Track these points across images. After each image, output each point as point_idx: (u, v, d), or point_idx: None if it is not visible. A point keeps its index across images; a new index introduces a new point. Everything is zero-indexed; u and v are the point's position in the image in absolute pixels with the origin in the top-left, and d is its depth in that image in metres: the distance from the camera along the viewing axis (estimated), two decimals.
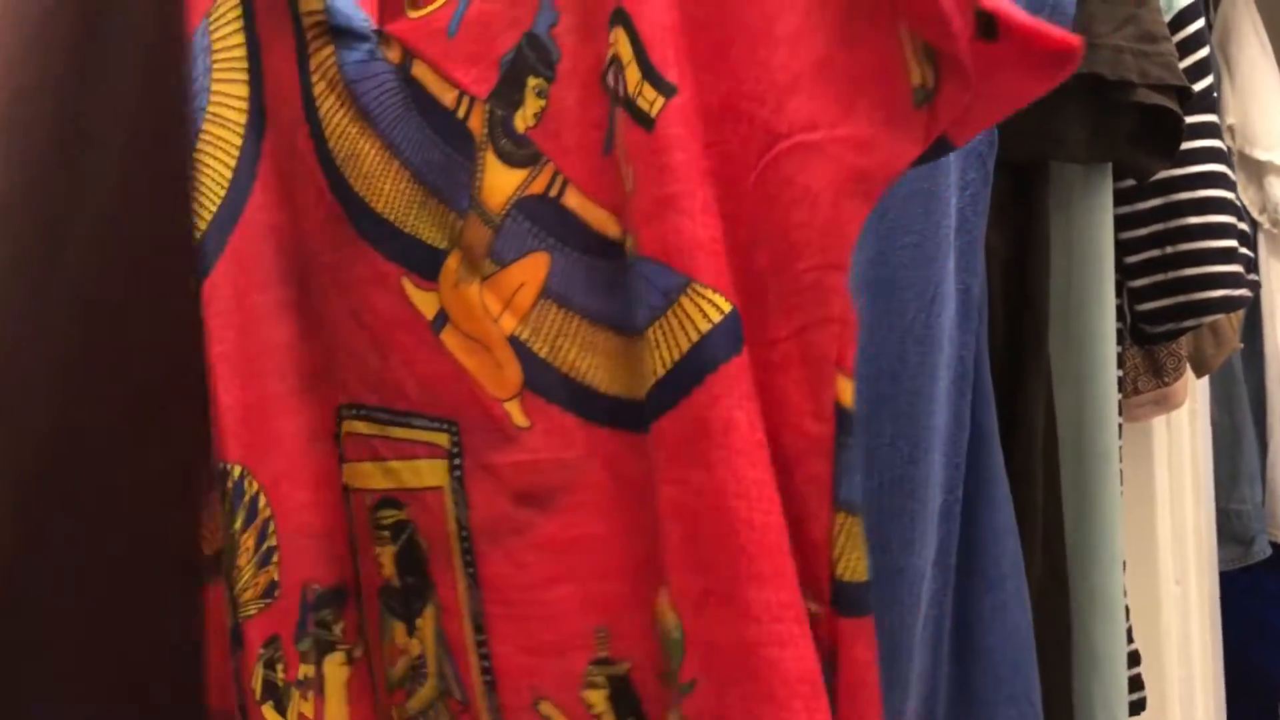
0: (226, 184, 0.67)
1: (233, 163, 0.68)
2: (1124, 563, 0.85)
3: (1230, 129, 1.51)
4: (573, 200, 0.58)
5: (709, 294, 0.53)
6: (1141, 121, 0.75)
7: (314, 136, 0.65)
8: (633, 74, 0.54)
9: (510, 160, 0.59)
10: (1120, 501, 0.81)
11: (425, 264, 0.62)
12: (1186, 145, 0.81)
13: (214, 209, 0.67)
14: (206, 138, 0.67)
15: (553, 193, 0.58)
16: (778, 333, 0.53)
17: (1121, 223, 0.84)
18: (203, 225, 0.66)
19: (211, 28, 0.69)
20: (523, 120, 0.59)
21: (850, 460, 0.54)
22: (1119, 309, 0.87)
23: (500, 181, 0.60)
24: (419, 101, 0.62)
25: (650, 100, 0.53)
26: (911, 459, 0.72)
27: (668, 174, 0.53)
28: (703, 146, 0.53)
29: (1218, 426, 1.51)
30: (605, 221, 0.57)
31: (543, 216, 0.58)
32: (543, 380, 0.59)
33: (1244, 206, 1.55)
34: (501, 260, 0.60)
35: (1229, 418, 1.53)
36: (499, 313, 0.60)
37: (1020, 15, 0.45)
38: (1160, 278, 0.84)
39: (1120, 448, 0.91)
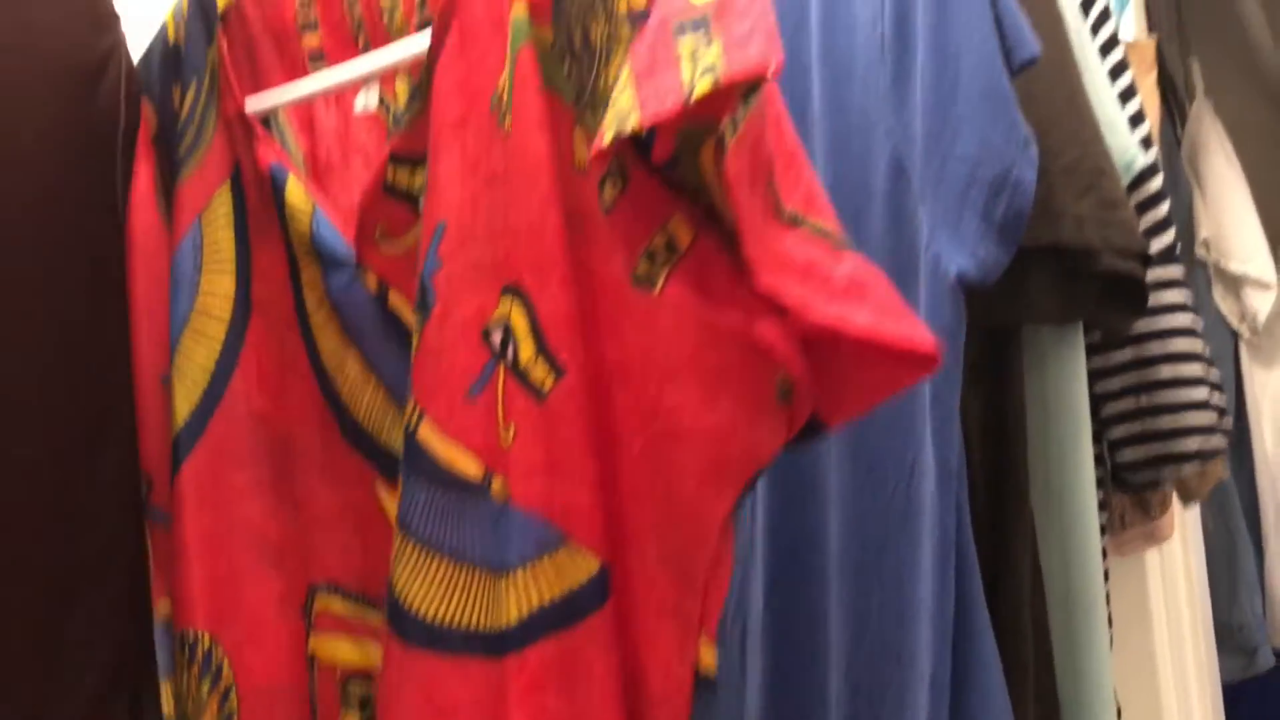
0: (209, 374, 0.72)
1: (216, 353, 0.72)
2: (1119, 709, 0.85)
3: (1205, 242, 1.54)
4: (425, 433, 0.61)
5: (584, 552, 0.57)
6: (1108, 282, 0.77)
7: (306, 342, 0.70)
8: (527, 348, 0.59)
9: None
10: (1109, 654, 0.81)
11: (393, 473, 0.65)
12: (1155, 299, 0.83)
13: (196, 398, 0.71)
14: (192, 329, 0.71)
15: (410, 425, 0.62)
16: (658, 577, 0.57)
17: (1096, 375, 0.86)
18: (181, 417, 0.70)
19: (204, 225, 0.72)
20: (410, 354, 0.63)
21: (709, 712, 0.57)
22: (1099, 456, 0.88)
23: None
24: (394, 328, 0.67)
25: (542, 377, 0.58)
26: (899, 625, 0.73)
27: (556, 444, 0.58)
28: (588, 419, 0.58)
29: (1212, 536, 1.51)
30: (458, 458, 0.61)
31: (405, 446, 0.62)
32: (386, 597, 0.63)
33: (1224, 316, 1.57)
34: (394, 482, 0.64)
35: (1224, 526, 1.53)
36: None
37: (862, 323, 0.49)
38: (1137, 428, 0.85)
39: (1108, 578, 0.91)
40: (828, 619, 0.77)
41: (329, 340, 0.69)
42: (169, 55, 0.75)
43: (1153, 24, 1.62)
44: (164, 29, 0.77)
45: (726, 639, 0.84)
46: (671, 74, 0.49)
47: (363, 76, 0.72)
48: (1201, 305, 1.53)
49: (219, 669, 0.71)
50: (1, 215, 0.67)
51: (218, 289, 0.72)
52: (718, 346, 0.54)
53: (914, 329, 0.50)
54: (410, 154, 0.66)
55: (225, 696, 0.71)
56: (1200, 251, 1.54)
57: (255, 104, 0.73)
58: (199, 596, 0.71)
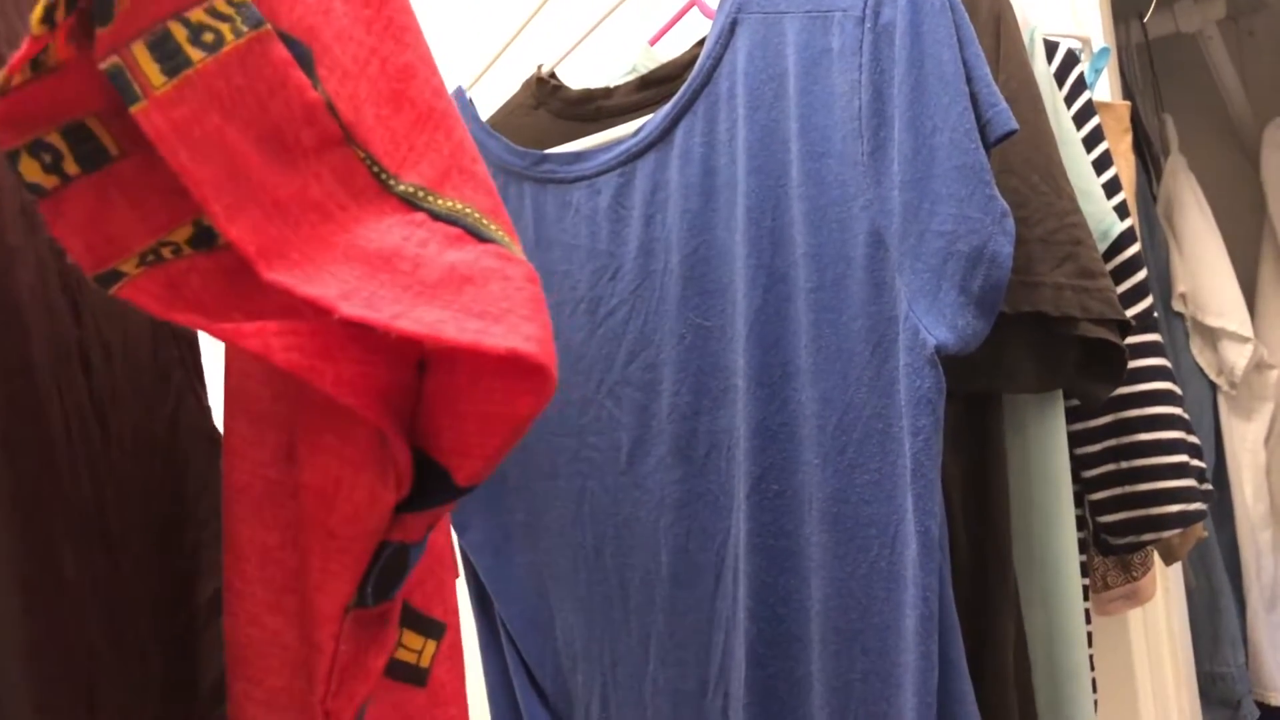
0: None
1: None
2: None
3: (1182, 296, 1.55)
4: None
5: None
6: (1086, 351, 0.77)
7: None
8: None
9: None
10: (1095, 719, 0.81)
11: None
12: (1134, 364, 0.83)
13: None
14: None
15: None
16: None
17: (1076, 438, 0.86)
18: None
19: None
20: None
21: None
22: (1081, 518, 0.89)
23: None
24: None
25: None
26: (884, 696, 0.73)
27: None
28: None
29: (1194, 590, 1.51)
30: None
31: None
32: None
33: (1203, 369, 1.59)
34: None
35: (1205, 580, 1.54)
36: None
37: (426, 321, 0.39)
38: (1118, 491, 0.85)
39: (1092, 642, 0.91)
40: (811, 687, 0.77)
41: None
42: None
43: (1127, 81, 1.64)
44: None
45: (709, 707, 0.84)
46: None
47: None
48: (1180, 357, 1.55)
49: None
50: None
51: None
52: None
53: (508, 334, 0.39)
54: None
55: None
56: (1178, 305, 1.55)
57: None
58: None
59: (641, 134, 0.83)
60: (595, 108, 0.93)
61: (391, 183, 0.43)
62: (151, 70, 0.38)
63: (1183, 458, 0.84)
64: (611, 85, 0.93)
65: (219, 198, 0.38)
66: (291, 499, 0.47)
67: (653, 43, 1.09)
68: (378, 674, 0.47)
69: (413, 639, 0.53)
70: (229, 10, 0.39)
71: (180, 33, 0.39)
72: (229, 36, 0.39)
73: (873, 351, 0.72)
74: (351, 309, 0.38)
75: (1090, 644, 0.87)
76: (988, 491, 0.78)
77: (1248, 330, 1.54)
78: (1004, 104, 0.70)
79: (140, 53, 0.38)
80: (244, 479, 0.49)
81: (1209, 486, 0.89)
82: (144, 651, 0.55)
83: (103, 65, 0.37)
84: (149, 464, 0.58)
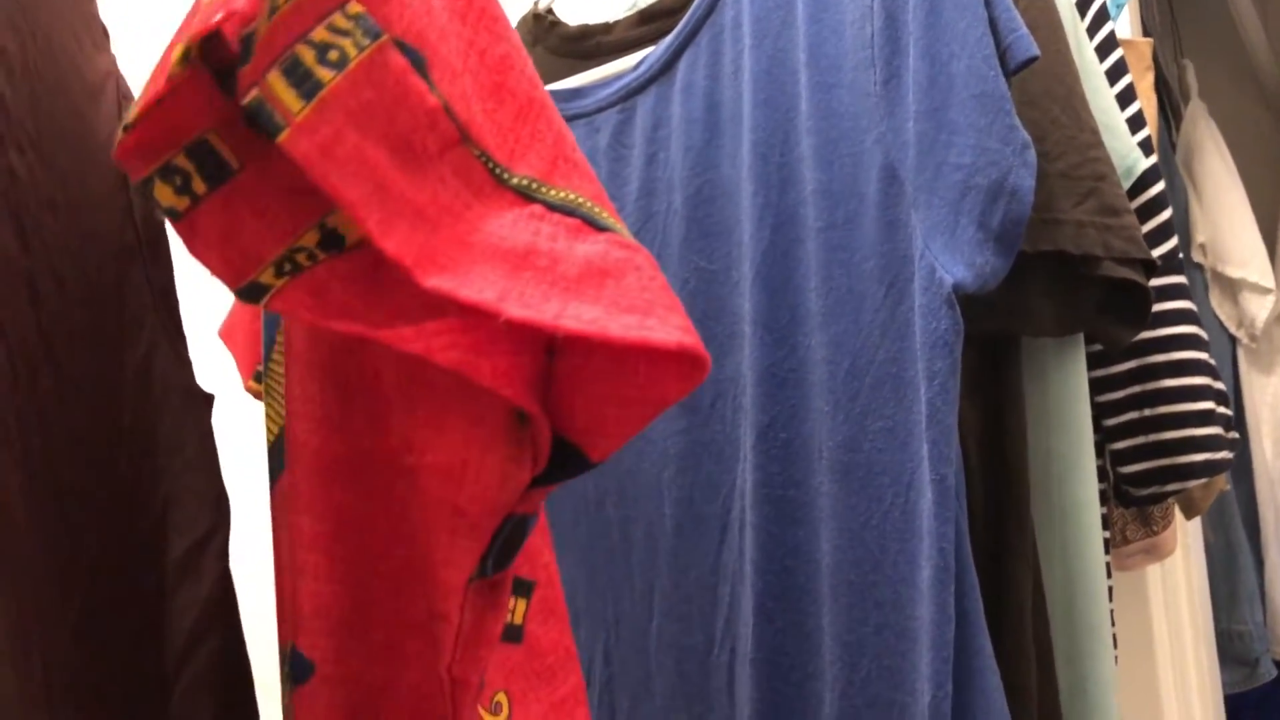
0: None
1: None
2: None
3: (1202, 247, 1.51)
4: None
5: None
6: (1109, 292, 0.74)
7: None
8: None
9: None
10: (1115, 676, 0.78)
11: None
12: (1158, 307, 0.80)
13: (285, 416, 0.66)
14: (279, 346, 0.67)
15: None
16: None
17: (1099, 385, 0.83)
18: (274, 431, 0.65)
19: None
20: None
21: None
22: (1102, 469, 0.85)
23: None
24: None
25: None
26: (898, 650, 0.70)
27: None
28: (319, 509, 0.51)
29: (1212, 547, 1.48)
30: None
31: None
32: None
33: (1222, 321, 1.55)
34: None
35: (1223, 537, 1.50)
36: None
37: (585, 319, 0.40)
38: (1141, 440, 0.82)
39: (1112, 596, 0.88)
40: (822, 641, 0.74)
41: None
42: None
43: (1146, 24, 1.59)
44: None
45: (715, 663, 0.81)
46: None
47: None
48: (1199, 310, 1.51)
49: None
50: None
51: None
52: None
53: (664, 326, 0.40)
54: None
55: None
56: (1197, 256, 1.51)
57: None
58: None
59: (642, 68, 0.80)
60: (594, 44, 0.89)
61: (505, 176, 0.43)
62: (289, 97, 0.38)
63: (1209, 405, 0.80)
64: (611, 20, 0.90)
65: (371, 214, 0.39)
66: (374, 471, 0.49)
67: None
68: (497, 637, 0.49)
69: None
70: (348, 24, 0.39)
71: (308, 55, 0.38)
72: (352, 52, 0.39)
73: (886, 292, 0.69)
74: (515, 310, 0.39)
75: (1110, 599, 0.84)
76: (1005, 440, 0.75)
77: (1269, 281, 1.50)
78: (1024, 29, 0.66)
79: (276, 81, 0.38)
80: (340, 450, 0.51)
81: (1235, 435, 0.85)
82: (105, 611, 0.53)
83: (244, 101, 0.37)
84: (112, 414, 0.55)
